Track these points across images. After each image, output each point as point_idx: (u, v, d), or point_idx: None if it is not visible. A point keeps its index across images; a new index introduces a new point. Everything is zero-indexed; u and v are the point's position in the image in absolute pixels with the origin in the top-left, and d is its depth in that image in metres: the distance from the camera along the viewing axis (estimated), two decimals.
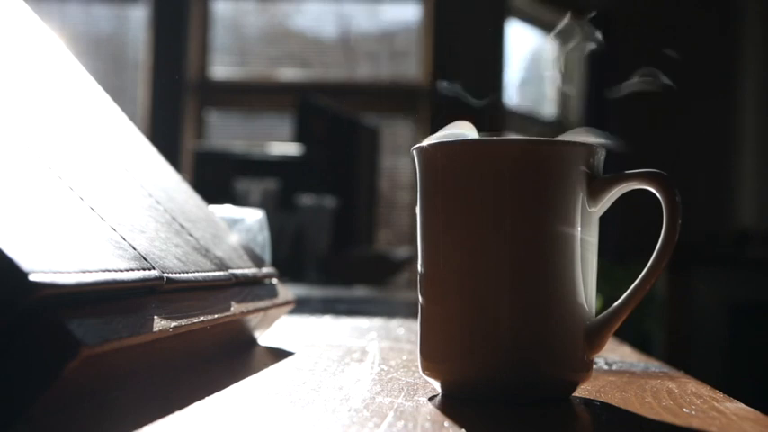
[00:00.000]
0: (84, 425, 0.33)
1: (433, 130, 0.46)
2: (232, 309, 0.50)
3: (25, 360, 0.30)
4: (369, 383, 0.44)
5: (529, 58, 4.03)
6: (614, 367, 0.54)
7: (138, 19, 3.71)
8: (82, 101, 0.57)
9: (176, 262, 0.45)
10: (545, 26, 3.89)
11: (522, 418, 0.37)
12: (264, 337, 0.64)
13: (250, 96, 3.72)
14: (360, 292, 1.62)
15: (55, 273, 0.31)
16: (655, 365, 0.56)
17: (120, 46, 3.78)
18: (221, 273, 0.52)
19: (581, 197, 0.41)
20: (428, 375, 0.43)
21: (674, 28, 3.66)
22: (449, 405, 0.39)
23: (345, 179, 2.64)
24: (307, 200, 2.17)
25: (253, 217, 0.72)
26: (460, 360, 0.41)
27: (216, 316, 0.47)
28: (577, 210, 0.41)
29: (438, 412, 0.37)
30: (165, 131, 3.52)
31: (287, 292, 0.67)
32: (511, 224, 0.40)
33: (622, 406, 0.40)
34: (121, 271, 0.37)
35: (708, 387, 0.46)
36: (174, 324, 0.40)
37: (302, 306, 0.92)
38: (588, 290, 0.42)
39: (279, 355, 0.56)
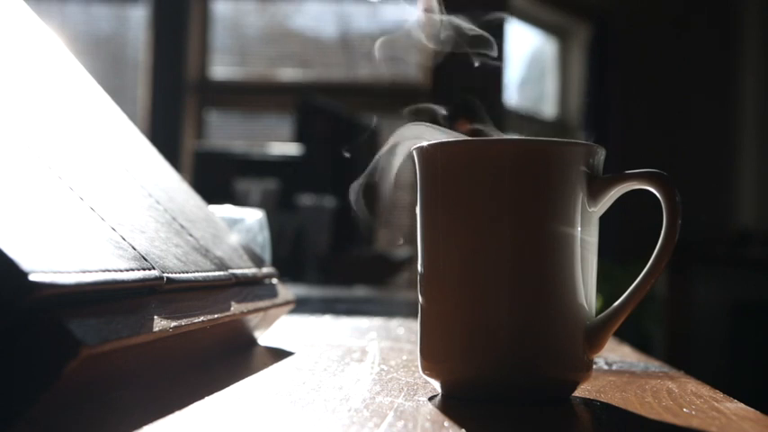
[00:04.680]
0: (84, 425, 0.33)
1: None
2: (232, 309, 0.50)
3: (25, 360, 0.30)
4: (369, 383, 0.44)
5: (529, 58, 4.03)
6: (614, 367, 0.54)
7: (138, 19, 3.71)
8: (82, 101, 0.57)
9: (176, 262, 0.45)
10: (545, 26, 3.89)
11: (522, 418, 0.37)
12: (264, 337, 0.64)
13: (250, 96, 3.72)
14: (360, 292, 1.62)
15: (55, 273, 0.31)
16: (655, 365, 0.56)
17: (120, 46, 3.78)
18: (221, 273, 0.52)
19: (581, 197, 0.41)
20: (428, 375, 0.43)
21: (674, 28, 3.66)
22: (449, 405, 0.39)
23: (345, 179, 2.63)
24: (307, 200, 2.17)
25: (253, 217, 0.72)
26: (460, 360, 0.41)
27: (216, 316, 0.47)
28: (577, 210, 0.41)
29: (438, 412, 0.37)
30: (165, 131, 3.52)
31: (287, 292, 0.67)
32: (511, 224, 0.40)
33: (622, 406, 0.40)
34: (121, 271, 0.37)
35: (708, 387, 0.46)
36: (174, 324, 0.40)
37: (302, 306, 0.92)
38: (588, 290, 0.42)
39: (279, 355, 0.56)
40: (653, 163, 0.48)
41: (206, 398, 0.39)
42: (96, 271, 0.35)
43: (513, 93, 3.86)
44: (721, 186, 3.66)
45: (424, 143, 0.43)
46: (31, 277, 0.29)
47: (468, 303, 0.41)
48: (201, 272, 0.48)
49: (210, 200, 0.71)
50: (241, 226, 0.69)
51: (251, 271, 0.59)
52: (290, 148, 2.67)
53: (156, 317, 0.39)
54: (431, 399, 0.41)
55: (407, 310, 1.05)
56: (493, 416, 0.38)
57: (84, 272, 0.33)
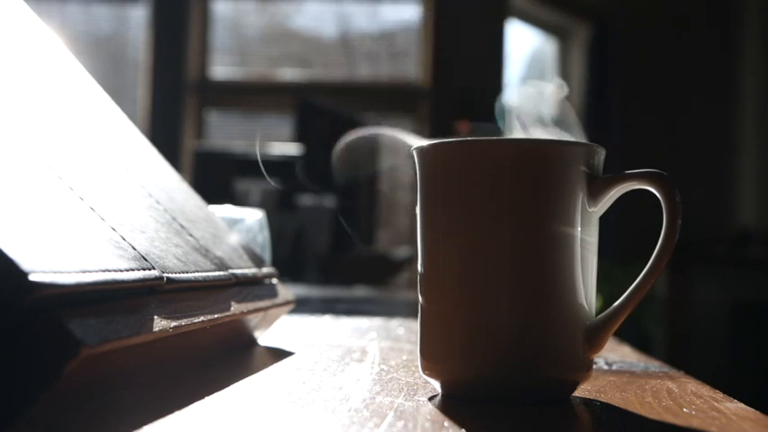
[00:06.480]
0: (84, 425, 0.33)
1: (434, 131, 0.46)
2: (232, 309, 0.50)
3: (25, 360, 0.30)
4: (369, 383, 0.44)
5: (529, 58, 4.03)
6: (614, 367, 0.54)
7: (138, 19, 3.71)
8: (82, 101, 0.57)
9: (176, 262, 0.45)
10: (545, 26, 3.89)
11: (522, 418, 0.37)
12: (264, 337, 0.64)
13: (250, 96, 3.72)
14: (360, 292, 1.62)
15: (55, 273, 0.31)
16: (655, 365, 0.56)
17: (120, 46, 3.78)
18: (221, 273, 0.52)
19: (581, 197, 0.41)
20: (428, 375, 0.43)
21: (674, 28, 3.67)
22: (449, 405, 0.39)
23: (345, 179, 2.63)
24: (307, 200, 2.17)
25: (253, 217, 0.72)
26: (460, 360, 0.41)
27: (216, 316, 0.47)
28: (577, 210, 0.41)
29: (438, 412, 0.37)
30: (165, 131, 3.52)
31: (287, 292, 0.67)
32: (511, 224, 0.40)
33: (622, 406, 0.40)
34: (121, 271, 0.37)
35: (708, 387, 0.46)
36: (174, 324, 0.40)
37: (302, 306, 0.92)
38: (588, 290, 0.42)
39: (279, 355, 0.56)
40: (653, 163, 0.48)
41: (206, 398, 0.39)
42: (96, 271, 0.35)
43: (513, 93, 3.86)
44: (721, 186, 3.66)
45: (424, 143, 0.43)
46: (31, 277, 0.29)
47: (468, 303, 0.41)
48: (201, 272, 0.48)
49: (210, 200, 0.71)
50: (241, 226, 0.69)
51: (251, 271, 0.59)
52: (290, 148, 2.67)
53: (156, 317, 0.39)
54: (431, 399, 0.41)
55: (407, 310, 1.05)
56: (493, 416, 0.38)
57: (84, 272, 0.33)
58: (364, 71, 3.75)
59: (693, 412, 0.39)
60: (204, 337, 0.49)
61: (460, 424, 0.35)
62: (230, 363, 0.51)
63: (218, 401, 0.38)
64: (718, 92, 3.69)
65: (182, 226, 0.53)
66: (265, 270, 0.64)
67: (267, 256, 0.70)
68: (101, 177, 0.47)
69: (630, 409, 0.39)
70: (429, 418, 0.36)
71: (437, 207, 0.42)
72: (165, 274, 0.42)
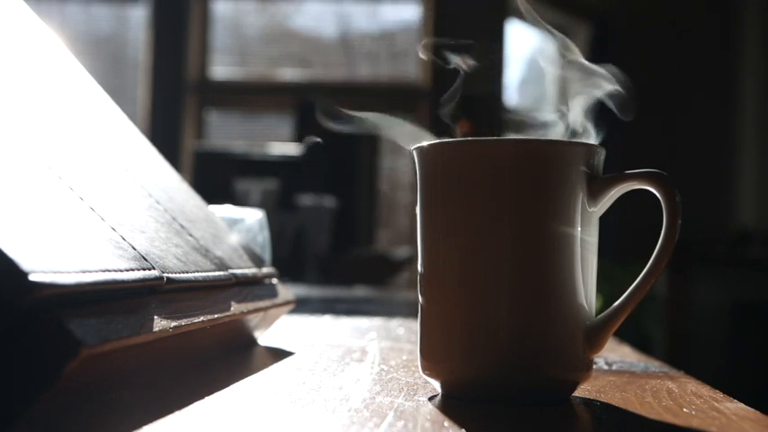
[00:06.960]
0: (84, 425, 0.33)
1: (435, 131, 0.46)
2: (232, 309, 0.50)
3: (25, 360, 0.30)
4: (369, 383, 0.44)
5: (529, 58, 4.03)
6: (614, 367, 0.54)
7: (138, 19, 3.71)
8: (82, 101, 0.57)
9: (176, 262, 0.45)
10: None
11: (522, 418, 0.37)
12: (264, 337, 0.64)
13: (250, 96, 3.72)
14: (360, 292, 1.62)
15: (55, 273, 0.31)
16: (655, 365, 0.56)
17: (120, 46, 3.78)
18: (221, 273, 0.52)
19: (581, 197, 0.41)
20: (428, 375, 0.43)
21: (674, 27, 3.67)
22: (449, 405, 0.39)
23: (345, 179, 2.64)
24: (307, 200, 2.17)
25: (253, 217, 0.72)
26: (460, 360, 0.41)
27: (216, 316, 0.47)
28: (577, 210, 0.41)
29: (438, 412, 0.37)
30: (165, 131, 3.52)
31: (287, 292, 0.67)
32: (511, 224, 0.40)
33: (622, 406, 0.40)
34: (121, 271, 0.37)
35: (708, 387, 0.46)
36: (174, 324, 0.40)
37: (302, 306, 0.92)
38: (588, 290, 0.42)
39: (279, 355, 0.56)
40: (653, 163, 0.48)
41: (206, 398, 0.39)
42: (96, 271, 0.35)
43: (513, 93, 3.86)
44: (721, 186, 3.66)
45: (424, 143, 0.43)
46: (31, 277, 0.29)
47: (468, 303, 0.41)
48: (201, 272, 0.48)
49: (210, 200, 0.71)
50: (241, 226, 0.69)
51: (251, 271, 0.59)
52: (290, 148, 2.68)
53: (156, 317, 0.39)
54: (431, 399, 0.41)
55: (407, 310, 1.05)
56: (493, 416, 0.38)
57: (84, 272, 0.33)
58: (364, 71, 3.75)
59: (693, 412, 0.39)
60: (204, 337, 0.49)
61: (460, 424, 0.35)
62: (230, 363, 0.51)
63: (218, 401, 0.38)
64: (718, 92, 3.69)
65: (182, 226, 0.53)
66: (265, 270, 0.64)
67: (267, 256, 0.70)
68: (101, 177, 0.47)
69: (630, 409, 0.40)
70: (429, 418, 0.36)
71: (437, 207, 0.42)
72: (165, 274, 0.42)
